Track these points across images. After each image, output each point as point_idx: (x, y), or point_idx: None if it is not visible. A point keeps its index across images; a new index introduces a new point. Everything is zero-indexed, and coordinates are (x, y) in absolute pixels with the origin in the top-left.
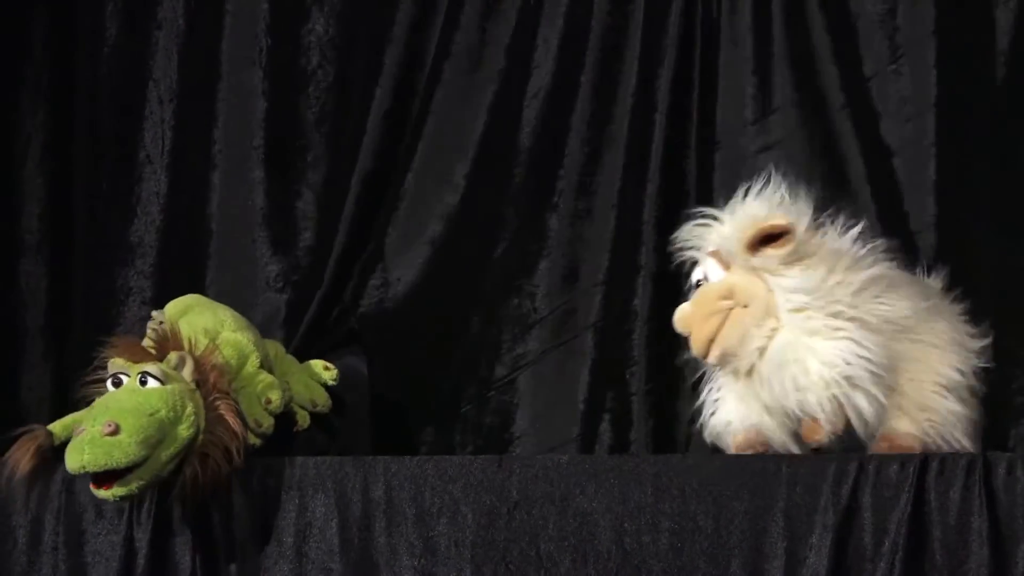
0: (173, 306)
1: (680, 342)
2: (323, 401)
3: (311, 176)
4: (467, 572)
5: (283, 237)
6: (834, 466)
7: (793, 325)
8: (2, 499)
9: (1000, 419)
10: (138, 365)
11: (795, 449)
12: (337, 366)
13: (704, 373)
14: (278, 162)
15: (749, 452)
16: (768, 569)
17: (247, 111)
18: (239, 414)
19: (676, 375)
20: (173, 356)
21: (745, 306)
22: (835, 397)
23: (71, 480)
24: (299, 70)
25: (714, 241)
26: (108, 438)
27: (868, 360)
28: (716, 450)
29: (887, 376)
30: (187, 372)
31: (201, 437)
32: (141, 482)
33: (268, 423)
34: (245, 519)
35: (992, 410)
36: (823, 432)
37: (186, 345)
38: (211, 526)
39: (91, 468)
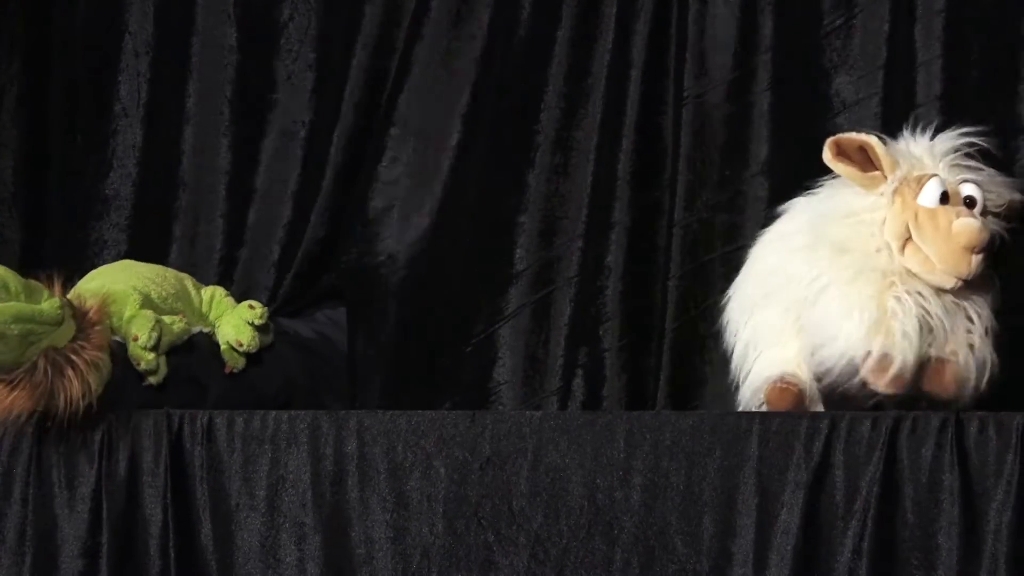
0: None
1: (655, 300)
2: (247, 340)
3: (286, 130)
4: (439, 527)
5: (257, 191)
6: (806, 423)
7: None
8: None
9: None
10: None
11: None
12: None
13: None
14: (252, 116)
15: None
16: (740, 526)
17: (220, 65)
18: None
19: (649, 331)
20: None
21: None
22: (991, 369)
23: (41, 434)
24: (272, 22)
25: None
26: None
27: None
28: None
29: None
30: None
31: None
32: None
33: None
34: (217, 473)
35: None
36: (954, 382)
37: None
38: (183, 480)
39: None
